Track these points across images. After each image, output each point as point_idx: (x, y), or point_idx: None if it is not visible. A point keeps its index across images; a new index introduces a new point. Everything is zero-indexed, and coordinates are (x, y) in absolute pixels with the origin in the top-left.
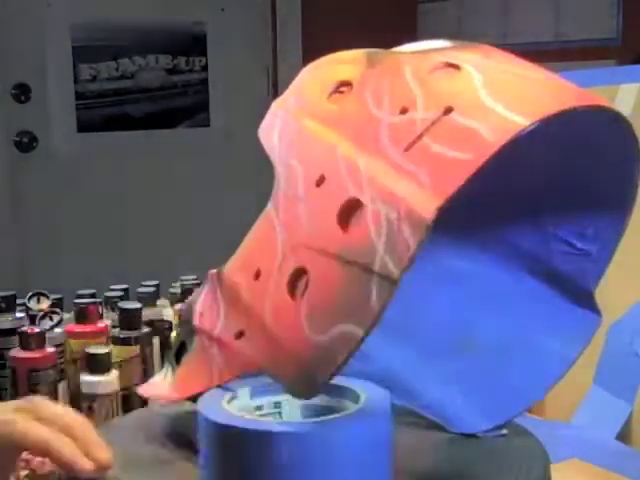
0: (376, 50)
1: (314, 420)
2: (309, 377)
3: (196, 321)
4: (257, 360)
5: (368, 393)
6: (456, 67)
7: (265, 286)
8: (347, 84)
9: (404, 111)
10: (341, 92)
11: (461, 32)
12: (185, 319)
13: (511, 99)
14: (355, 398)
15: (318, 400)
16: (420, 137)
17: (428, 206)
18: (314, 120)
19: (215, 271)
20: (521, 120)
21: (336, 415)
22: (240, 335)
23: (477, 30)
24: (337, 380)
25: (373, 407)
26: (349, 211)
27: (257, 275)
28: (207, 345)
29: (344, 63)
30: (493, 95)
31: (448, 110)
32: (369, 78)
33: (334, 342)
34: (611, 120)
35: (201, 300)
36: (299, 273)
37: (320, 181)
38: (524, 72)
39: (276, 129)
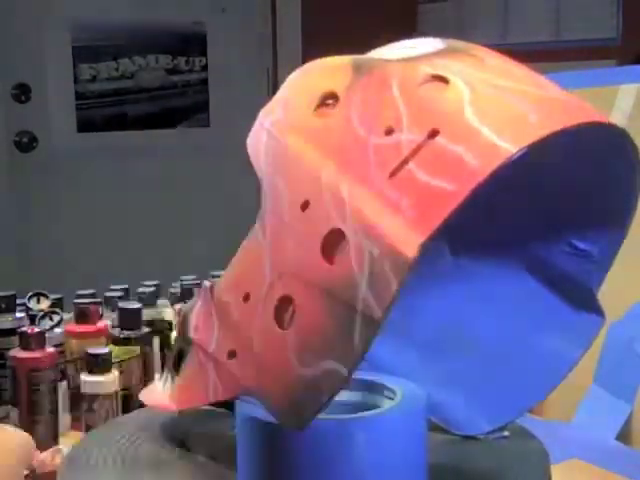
0: (363, 57)
1: (350, 416)
2: (297, 411)
3: (191, 334)
4: (248, 384)
5: (404, 390)
6: (444, 80)
7: (254, 310)
8: (333, 96)
9: (389, 131)
10: (327, 105)
11: (461, 32)
12: (181, 330)
13: (498, 121)
14: (391, 394)
15: (353, 397)
16: (405, 162)
17: (411, 243)
18: (299, 136)
19: (209, 285)
20: (507, 146)
21: (371, 412)
22: (232, 355)
23: (477, 30)
24: (372, 376)
25: (409, 404)
26: (333, 242)
27: (246, 298)
28: (203, 360)
29: (331, 71)
30: (479, 115)
31: (434, 133)
32: (355, 91)
33: (319, 378)
34: (610, 135)
35: (195, 313)
36: (286, 301)
37: (305, 206)
38: (517, 85)
39: (263, 143)
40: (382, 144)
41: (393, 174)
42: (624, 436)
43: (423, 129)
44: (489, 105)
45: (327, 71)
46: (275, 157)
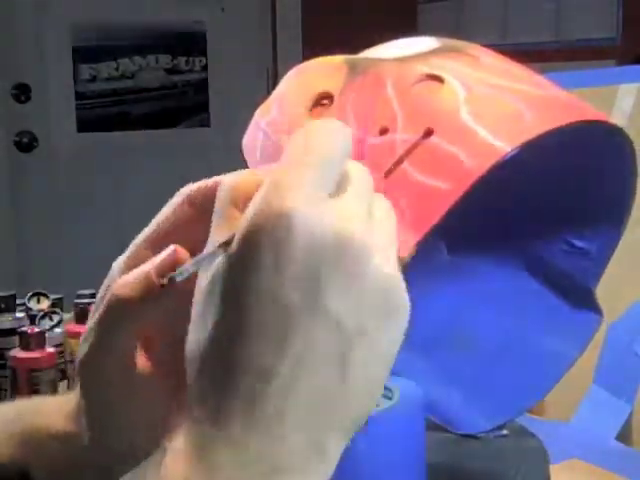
0: (358, 57)
1: None
2: None
3: None
4: None
5: (402, 389)
6: (439, 80)
7: None
8: (328, 96)
9: (384, 131)
10: (322, 105)
11: (461, 32)
12: None
13: (494, 120)
14: (389, 394)
15: None
16: (400, 162)
17: (406, 242)
18: None
19: None
20: (502, 145)
21: None
22: None
23: (477, 30)
24: None
25: (407, 403)
26: None
27: None
28: None
29: (326, 71)
30: (475, 115)
31: (428, 132)
32: (350, 91)
33: None
34: (606, 132)
35: None
36: None
37: None
38: (513, 84)
39: (258, 143)
40: (377, 144)
41: (388, 174)
42: (624, 436)
43: (418, 129)
44: (484, 104)
45: (322, 71)
46: (270, 157)
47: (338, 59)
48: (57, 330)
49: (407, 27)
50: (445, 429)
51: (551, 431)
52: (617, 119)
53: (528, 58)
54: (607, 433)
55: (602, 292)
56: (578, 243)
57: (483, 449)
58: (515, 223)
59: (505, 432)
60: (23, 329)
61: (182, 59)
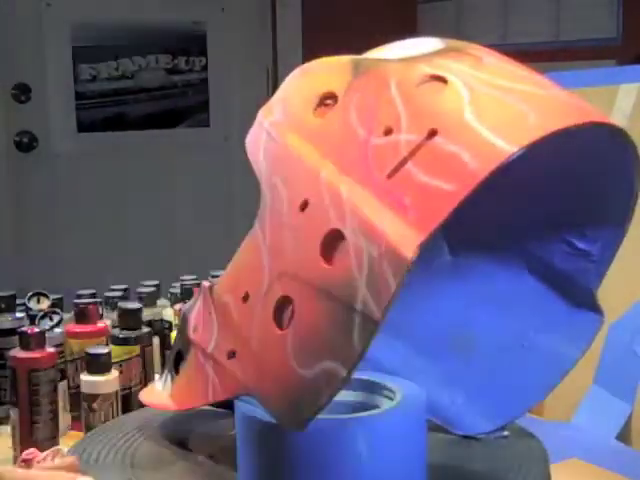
0: (362, 57)
1: (350, 416)
2: (297, 412)
3: (190, 334)
4: (247, 384)
5: (404, 390)
6: (443, 80)
7: (253, 311)
8: (332, 96)
9: (388, 132)
10: (326, 105)
11: (461, 32)
12: (180, 330)
13: (497, 121)
14: (391, 395)
15: (353, 397)
16: (403, 163)
17: (410, 243)
18: (298, 136)
19: (208, 285)
20: (505, 147)
21: (371, 412)
22: (232, 355)
23: (477, 30)
24: (372, 376)
25: (409, 404)
26: (332, 242)
27: (245, 298)
28: (202, 361)
29: (330, 71)
30: (478, 115)
31: (432, 133)
32: (354, 91)
33: (319, 378)
34: (609, 134)
35: (195, 313)
36: (285, 301)
37: (304, 205)
38: (516, 85)
39: (262, 143)
40: (381, 144)
41: (392, 174)
42: (624, 436)
43: (422, 129)
44: (488, 105)
45: (326, 71)
46: (274, 157)
47: (342, 59)
48: (57, 330)
49: (407, 27)
50: (446, 430)
51: (551, 431)
52: (617, 119)
53: (528, 58)
54: (607, 433)
55: (602, 292)
56: (580, 244)
57: (483, 450)
58: (516, 224)
59: (505, 433)
60: (23, 329)
61: (182, 59)
